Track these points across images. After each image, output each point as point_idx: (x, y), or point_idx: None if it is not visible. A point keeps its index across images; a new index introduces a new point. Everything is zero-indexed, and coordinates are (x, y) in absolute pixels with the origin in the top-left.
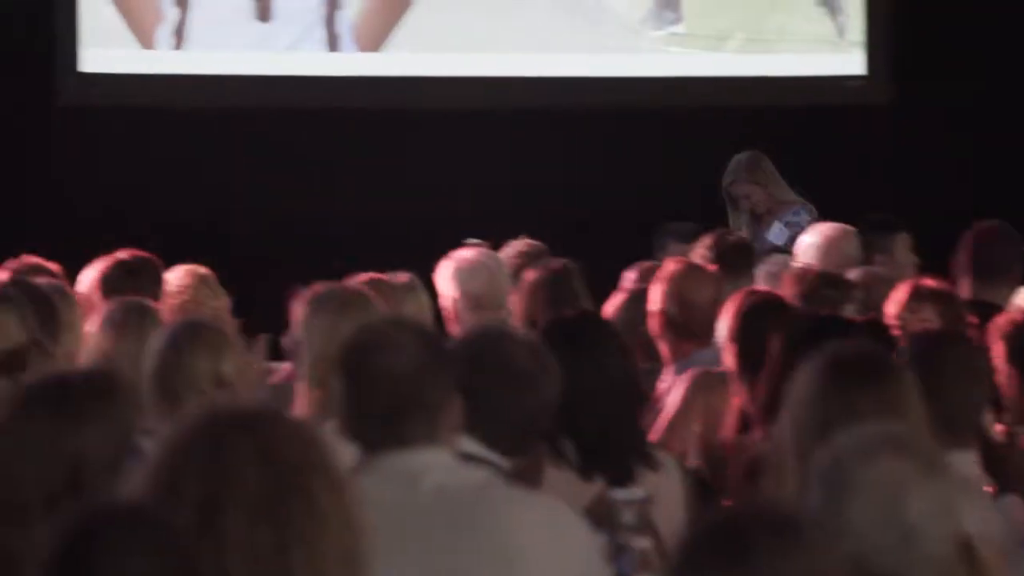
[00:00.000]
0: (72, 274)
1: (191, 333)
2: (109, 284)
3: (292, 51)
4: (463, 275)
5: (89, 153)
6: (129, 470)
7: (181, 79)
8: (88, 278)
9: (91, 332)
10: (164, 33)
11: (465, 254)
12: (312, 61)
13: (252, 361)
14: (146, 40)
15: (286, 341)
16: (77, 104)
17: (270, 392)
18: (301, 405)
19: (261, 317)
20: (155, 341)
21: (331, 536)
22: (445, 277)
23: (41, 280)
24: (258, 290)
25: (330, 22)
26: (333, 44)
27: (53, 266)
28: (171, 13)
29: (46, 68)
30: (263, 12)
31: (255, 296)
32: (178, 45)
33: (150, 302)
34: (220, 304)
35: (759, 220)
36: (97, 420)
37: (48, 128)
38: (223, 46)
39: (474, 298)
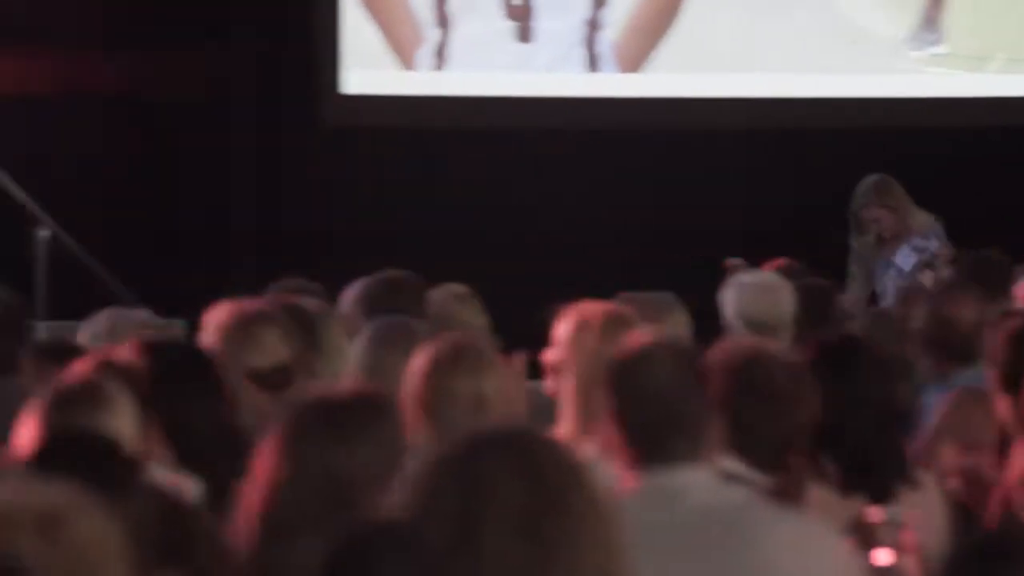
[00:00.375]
0: (333, 293)
1: (452, 353)
2: (372, 302)
3: (552, 72)
4: (747, 297)
5: (350, 173)
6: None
7: (441, 100)
8: (351, 296)
9: (354, 350)
10: (425, 54)
11: (749, 276)
12: (572, 82)
13: (512, 380)
14: (407, 61)
15: (547, 359)
16: (338, 125)
17: (530, 411)
18: (564, 424)
19: (520, 334)
20: (417, 361)
21: (589, 554)
22: (729, 299)
23: (304, 299)
24: (517, 306)
25: (590, 43)
26: (593, 65)
27: (315, 285)
28: (432, 35)
29: (309, 89)
30: (524, 33)
31: (514, 313)
32: (439, 66)
33: (413, 320)
34: (480, 323)
35: (884, 244)
36: (364, 440)
37: (310, 148)
38: (483, 67)
39: (757, 321)
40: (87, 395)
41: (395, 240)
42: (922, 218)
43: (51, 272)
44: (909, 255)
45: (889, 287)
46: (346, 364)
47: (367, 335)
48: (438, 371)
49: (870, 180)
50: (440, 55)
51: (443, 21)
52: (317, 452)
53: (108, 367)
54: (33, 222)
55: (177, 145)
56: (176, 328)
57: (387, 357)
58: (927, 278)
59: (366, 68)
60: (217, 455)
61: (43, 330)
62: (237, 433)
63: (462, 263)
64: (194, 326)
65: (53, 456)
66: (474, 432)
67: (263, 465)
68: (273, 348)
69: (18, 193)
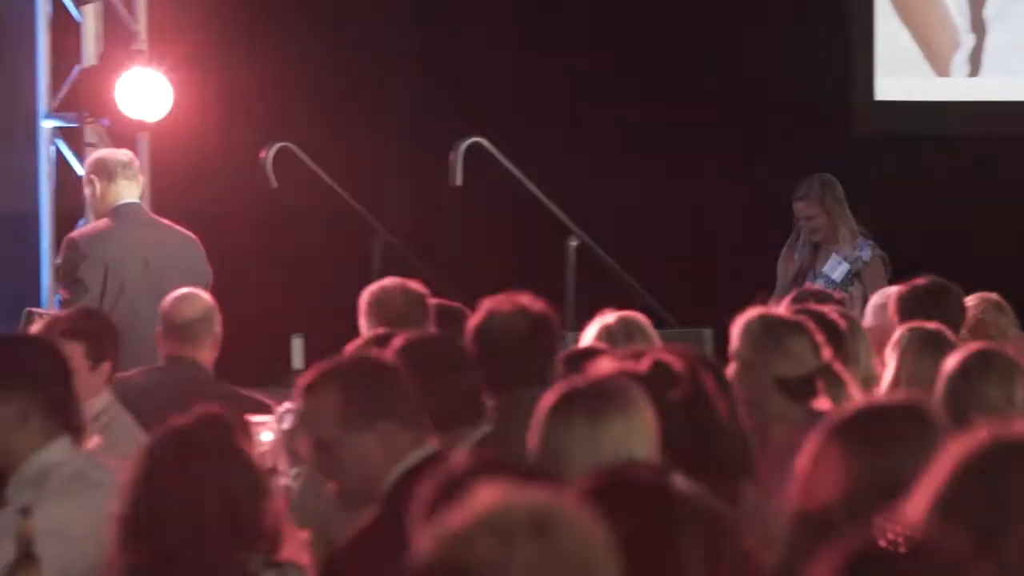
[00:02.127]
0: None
1: (982, 359)
2: (907, 310)
3: None
4: None
5: (884, 180)
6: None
7: (974, 106)
8: (885, 304)
9: (890, 359)
10: (959, 60)
11: None
12: None
13: None
14: (941, 68)
15: None
16: (872, 132)
17: None
18: None
19: None
20: (947, 367)
21: None
22: None
23: (827, 307)
24: None
25: None
26: None
27: (833, 293)
28: (967, 40)
29: (844, 97)
30: None
31: None
32: (973, 72)
33: (947, 328)
34: (1014, 331)
35: (815, 249)
36: (908, 450)
37: (844, 156)
38: (1021, 72)
39: None
40: (608, 398)
41: (929, 246)
42: (854, 229)
43: (580, 281)
44: (839, 264)
45: None
46: (873, 372)
47: (903, 344)
48: (965, 377)
49: (815, 176)
50: (975, 60)
51: (979, 26)
52: (862, 460)
53: (624, 373)
54: (564, 232)
55: (714, 156)
56: (703, 336)
57: (923, 365)
58: (857, 289)
59: (899, 75)
60: (723, 458)
61: (571, 340)
62: (741, 436)
63: (998, 269)
64: (721, 334)
65: (606, 491)
66: (998, 439)
67: (801, 471)
68: (802, 357)
69: (550, 204)
